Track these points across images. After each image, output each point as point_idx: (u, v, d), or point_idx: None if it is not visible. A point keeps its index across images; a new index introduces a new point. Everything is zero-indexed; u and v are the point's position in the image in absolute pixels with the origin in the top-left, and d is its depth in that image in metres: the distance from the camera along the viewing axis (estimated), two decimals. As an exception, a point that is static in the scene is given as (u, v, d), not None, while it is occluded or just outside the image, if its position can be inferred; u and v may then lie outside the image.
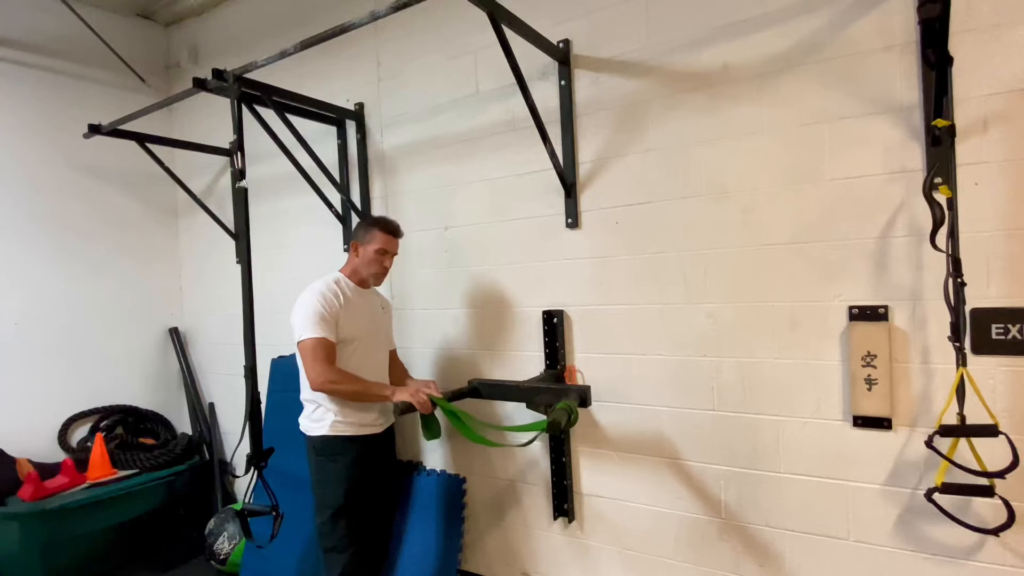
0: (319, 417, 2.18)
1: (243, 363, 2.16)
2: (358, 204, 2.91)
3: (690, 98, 2.06)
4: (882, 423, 1.78)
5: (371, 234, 2.24)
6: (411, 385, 2.27)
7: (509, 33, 1.92)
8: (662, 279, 2.13)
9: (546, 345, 2.36)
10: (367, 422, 2.21)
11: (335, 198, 2.92)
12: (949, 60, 1.53)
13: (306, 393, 2.20)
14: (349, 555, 2.16)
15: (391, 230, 2.27)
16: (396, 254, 2.33)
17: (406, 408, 2.08)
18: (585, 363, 2.32)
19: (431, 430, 2.19)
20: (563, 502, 2.36)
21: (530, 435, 2.07)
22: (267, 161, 3.08)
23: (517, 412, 2.45)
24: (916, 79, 1.71)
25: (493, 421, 2.53)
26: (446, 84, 2.62)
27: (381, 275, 2.30)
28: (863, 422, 1.81)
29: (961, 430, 1.55)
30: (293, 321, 2.14)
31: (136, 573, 3.15)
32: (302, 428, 2.25)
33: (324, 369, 2.03)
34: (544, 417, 2.03)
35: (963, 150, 1.65)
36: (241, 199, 2.18)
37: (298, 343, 2.10)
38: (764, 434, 1.98)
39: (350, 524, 2.17)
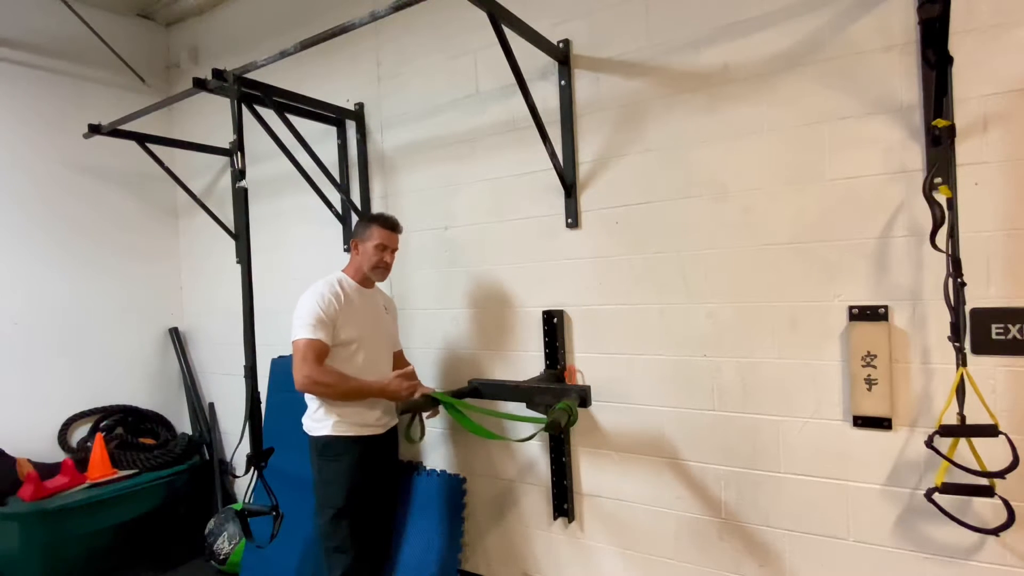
0: (321, 417, 2.18)
1: (243, 363, 2.16)
2: (358, 204, 2.91)
3: (690, 98, 2.05)
4: (882, 423, 1.78)
5: (369, 230, 2.24)
6: (392, 378, 2.17)
7: (509, 33, 1.92)
8: (662, 279, 2.13)
9: (546, 345, 2.36)
10: (369, 422, 2.21)
11: (335, 198, 2.92)
12: (949, 60, 1.53)
13: (307, 395, 2.20)
14: (352, 556, 2.16)
15: (389, 224, 2.27)
16: (396, 249, 2.32)
17: (407, 408, 2.08)
18: (585, 363, 2.32)
19: (412, 435, 2.21)
20: (563, 502, 2.36)
21: (530, 431, 2.07)
22: (267, 161, 3.08)
23: (517, 412, 2.45)
24: (916, 79, 1.71)
25: (493, 419, 2.53)
26: (446, 84, 2.62)
27: (382, 270, 2.28)
28: (863, 422, 1.81)
29: (961, 430, 1.55)
30: (292, 320, 2.14)
31: (136, 573, 3.15)
32: (305, 428, 2.25)
33: (309, 369, 2.03)
34: (544, 416, 2.03)
35: (963, 150, 1.65)
36: (241, 199, 2.18)
37: (292, 342, 2.11)
38: (764, 434, 1.98)
39: (352, 525, 2.17)
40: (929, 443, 1.61)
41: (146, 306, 3.72)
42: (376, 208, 2.90)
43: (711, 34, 2.00)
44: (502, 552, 2.59)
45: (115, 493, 2.97)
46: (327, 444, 2.16)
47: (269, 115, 2.51)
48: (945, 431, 1.57)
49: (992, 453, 1.54)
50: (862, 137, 1.78)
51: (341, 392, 2.10)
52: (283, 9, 3.21)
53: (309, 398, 2.22)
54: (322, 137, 2.95)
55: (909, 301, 1.74)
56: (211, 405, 3.78)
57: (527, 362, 2.45)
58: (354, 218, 2.93)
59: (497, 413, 2.26)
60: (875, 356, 1.77)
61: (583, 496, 2.37)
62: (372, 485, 2.24)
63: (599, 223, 2.26)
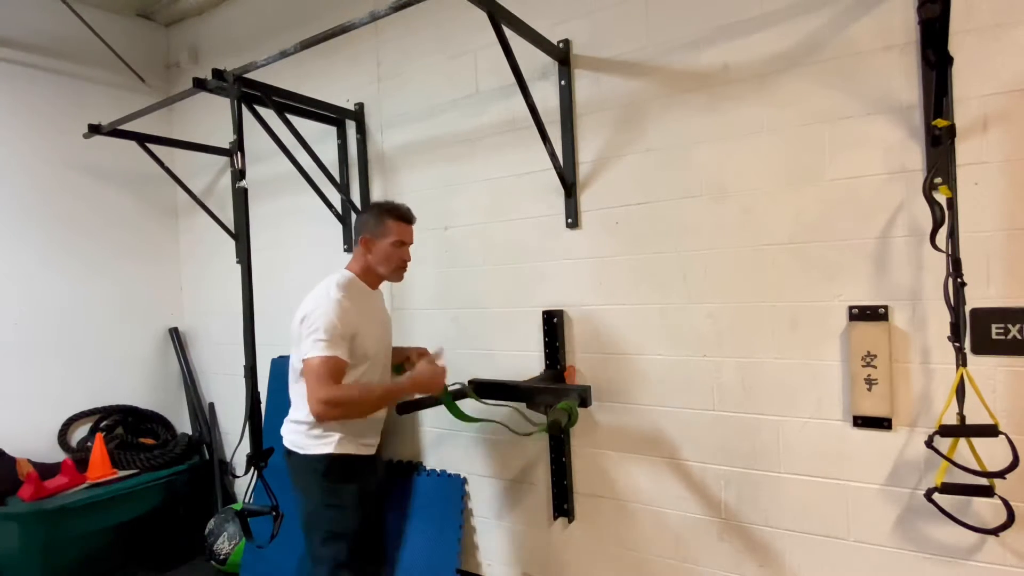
0: (320, 434, 1.96)
1: (243, 363, 2.16)
2: (358, 204, 2.91)
3: (690, 98, 2.05)
4: (882, 423, 1.78)
5: (384, 226, 1.99)
6: (421, 367, 2.03)
7: (509, 33, 1.92)
8: (662, 279, 2.13)
9: (546, 345, 2.36)
10: (370, 442, 2.09)
11: (335, 198, 2.92)
12: (949, 60, 1.53)
13: (303, 412, 1.94)
14: (355, 569, 2.00)
15: (405, 217, 2.02)
16: (413, 243, 2.09)
17: (406, 408, 2.07)
18: (585, 363, 2.32)
19: (456, 413, 2.11)
20: (563, 502, 2.36)
21: (531, 427, 2.06)
22: (267, 161, 3.08)
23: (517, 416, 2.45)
24: (916, 79, 1.71)
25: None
26: (446, 84, 2.62)
27: (402, 270, 2.05)
28: (863, 422, 1.81)
29: (961, 430, 1.55)
30: (302, 329, 1.87)
31: (136, 573, 3.15)
32: (293, 446, 2.00)
33: (327, 391, 1.78)
34: (544, 417, 2.03)
35: (963, 150, 1.65)
36: (241, 199, 2.18)
37: (305, 359, 1.82)
38: (764, 434, 1.98)
39: (364, 547, 2.00)
40: (929, 443, 1.61)
41: (146, 306, 3.72)
42: (376, 208, 2.90)
43: (711, 34, 2.00)
44: (502, 552, 2.59)
45: (115, 493, 2.97)
46: (332, 464, 1.93)
47: (269, 115, 2.51)
48: (945, 431, 1.57)
49: (992, 453, 1.54)
50: (862, 137, 1.78)
51: (371, 403, 1.85)
52: (283, 9, 3.21)
53: (300, 412, 1.98)
54: (322, 137, 2.95)
55: (909, 301, 1.74)
56: (211, 405, 3.78)
57: (527, 362, 2.45)
58: (354, 218, 2.92)
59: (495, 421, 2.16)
60: (875, 356, 1.77)
61: (583, 496, 2.37)
62: (376, 504, 2.12)
63: (599, 223, 2.26)
